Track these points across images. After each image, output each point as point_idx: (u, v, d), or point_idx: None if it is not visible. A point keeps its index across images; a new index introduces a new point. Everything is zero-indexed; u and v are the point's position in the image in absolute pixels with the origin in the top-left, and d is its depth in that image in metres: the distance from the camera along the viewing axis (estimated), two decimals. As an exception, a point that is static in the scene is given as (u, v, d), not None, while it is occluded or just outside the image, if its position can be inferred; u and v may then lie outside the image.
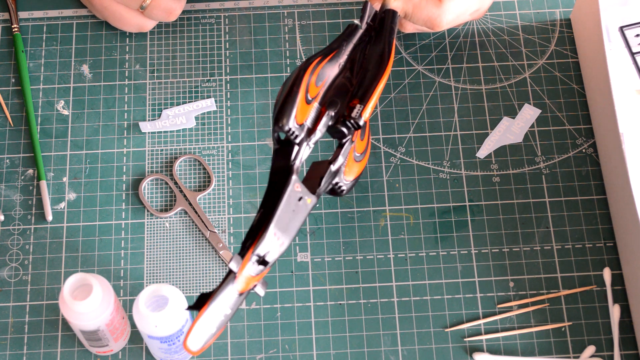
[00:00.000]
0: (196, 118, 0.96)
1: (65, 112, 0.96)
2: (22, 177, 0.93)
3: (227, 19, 1.01)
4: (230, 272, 0.73)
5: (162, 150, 0.94)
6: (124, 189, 0.92)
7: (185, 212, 0.91)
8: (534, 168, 0.94)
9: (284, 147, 0.79)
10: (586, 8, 0.95)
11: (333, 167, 0.81)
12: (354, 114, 0.80)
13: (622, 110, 0.90)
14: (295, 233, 0.77)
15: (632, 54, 0.91)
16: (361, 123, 0.80)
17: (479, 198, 0.92)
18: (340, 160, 0.82)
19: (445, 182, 0.93)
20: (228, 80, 0.98)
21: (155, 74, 0.98)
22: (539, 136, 0.95)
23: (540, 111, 0.96)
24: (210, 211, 0.92)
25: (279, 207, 0.75)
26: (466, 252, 0.90)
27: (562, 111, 0.96)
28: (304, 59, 0.99)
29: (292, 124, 0.78)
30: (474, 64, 0.99)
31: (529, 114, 0.96)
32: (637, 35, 0.92)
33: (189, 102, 0.97)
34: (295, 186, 0.77)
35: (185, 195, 0.92)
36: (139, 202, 0.92)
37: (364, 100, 0.81)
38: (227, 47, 1.00)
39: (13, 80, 0.98)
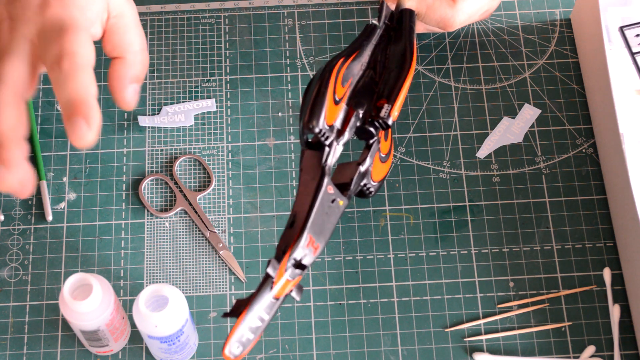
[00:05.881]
0: (196, 118, 0.96)
1: (65, 112, 0.96)
2: (22, 177, 0.93)
3: (227, 19, 1.01)
4: (268, 277, 0.71)
5: (162, 150, 0.94)
6: (124, 189, 0.92)
7: (185, 212, 0.91)
8: (534, 168, 0.94)
9: (312, 149, 0.78)
10: (586, 8, 0.95)
11: (362, 168, 0.80)
12: (382, 114, 0.80)
13: (622, 110, 0.90)
14: (330, 235, 0.76)
15: (632, 54, 0.91)
16: (390, 122, 0.80)
17: (479, 198, 0.92)
18: (369, 161, 0.81)
19: (445, 182, 0.93)
20: (228, 80, 0.98)
21: (155, 74, 0.98)
22: (539, 136, 0.95)
23: (540, 111, 0.96)
24: (210, 211, 0.92)
25: (313, 210, 0.74)
26: (466, 252, 0.90)
27: (562, 111, 0.96)
28: (304, 59, 0.99)
29: (322, 124, 0.77)
30: (474, 64, 0.99)
31: (529, 114, 0.96)
32: (637, 35, 0.92)
33: (189, 102, 0.97)
34: (328, 188, 0.76)
35: (185, 195, 0.92)
36: (139, 202, 0.92)
37: (391, 100, 0.80)
38: (227, 47, 1.00)
39: (13, 80, 0.98)
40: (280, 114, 0.96)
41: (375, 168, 0.82)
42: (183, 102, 0.97)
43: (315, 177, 0.77)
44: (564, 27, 1.01)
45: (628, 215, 0.85)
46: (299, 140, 0.95)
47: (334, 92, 0.79)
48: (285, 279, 0.73)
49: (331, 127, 0.78)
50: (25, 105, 0.74)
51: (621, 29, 0.92)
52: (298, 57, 0.99)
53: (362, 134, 0.81)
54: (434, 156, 0.94)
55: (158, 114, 0.96)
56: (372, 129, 0.80)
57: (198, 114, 0.96)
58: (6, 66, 0.75)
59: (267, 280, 0.71)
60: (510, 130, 0.95)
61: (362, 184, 0.81)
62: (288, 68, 0.98)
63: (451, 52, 0.99)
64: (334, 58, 0.81)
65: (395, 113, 0.80)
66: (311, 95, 0.78)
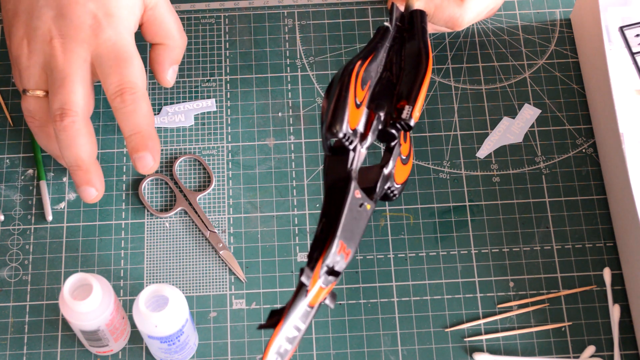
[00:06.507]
0: (196, 118, 0.96)
1: (65, 112, 0.96)
2: (22, 177, 0.93)
3: (227, 19, 1.01)
4: (302, 285, 0.71)
5: (162, 150, 0.94)
6: (124, 189, 0.92)
7: (185, 212, 0.91)
8: (534, 168, 0.94)
9: (336, 154, 0.78)
10: (586, 8, 0.95)
11: (386, 171, 0.80)
12: (404, 115, 0.79)
13: (622, 110, 0.90)
14: (359, 240, 0.75)
15: (632, 54, 0.91)
16: (412, 124, 0.79)
17: (479, 198, 0.92)
18: (392, 163, 0.80)
19: (445, 182, 0.93)
20: (228, 80, 0.98)
21: (155, 74, 0.98)
22: (539, 136, 0.95)
23: (540, 111, 0.96)
24: (210, 211, 0.92)
25: (343, 216, 0.74)
26: (466, 252, 0.90)
27: (562, 111, 0.96)
28: (304, 59, 0.99)
29: (346, 129, 0.76)
30: (474, 64, 0.99)
31: (529, 114, 0.96)
32: (637, 35, 0.92)
33: (189, 102, 0.97)
34: (355, 193, 0.76)
35: (185, 195, 0.92)
36: (139, 202, 0.92)
37: (411, 101, 0.79)
38: (227, 47, 1.00)
39: (13, 80, 0.98)
40: (280, 114, 0.96)
41: (397, 170, 0.81)
42: (183, 102, 0.97)
43: (341, 182, 0.76)
44: (564, 27, 1.01)
45: (628, 215, 0.85)
46: (299, 140, 0.95)
47: (355, 96, 0.78)
48: (318, 286, 0.72)
49: (354, 131, 0.77)
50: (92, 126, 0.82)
51: (621, 29, 0.92)
52: (298, 57, 0.99)
53: (384, 137, 0.80)
54: (434, 156, 0.94)
55: (158, 114, 0.96)
56: (394, 131, 0.79)
57: (198, 114, 0.96)
58: (72, 94, 0.79)
59: (301, 289, 0.71)
60: (510, 130, 0.95)
61: (386, 187, 0.81)
62: (288, 68, 0.98)
63: (451, 52, 0.99)
64: (351, 61, 0.80)
65: (416, 114, 0.79)
66: (332, 99, 0.77)
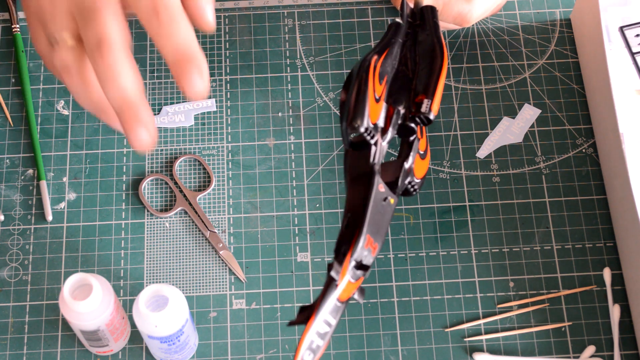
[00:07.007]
0: (196, 118, 0.96)
1: (65, 112, 0.96)
2: (22, 177, 0.93)
3: (227, 19, 1.01)
4: (331, 280, 0.71)
5: (162, 150, 0.94)
6: (124, 189, 0.92)
7: (185, 212, 0.91)
8: (534, 168, 0.94)
9: (356, 149, 0.78)
10: (586, 8, 0.95)
11: (406, 165, 0.80)
12: (423, 109, 0.78)
13: (622, 110, 0.90)
14: (385, 234, 0.75)
15: (632, 54, 0.91)
16: (432, 117, 0.79)
17: (479, 198, 0.92)
18: (412, 158, 0.80)
19: (445, 182, 0.93)
20: (228, 80, 0.98)
21: (155, 74, 0.98)
22: (539, 136, 0.95)
23: (540, 111, 0.96)
24: (210, 211, 0.92)
25: (369, 210, 0.73)
26: (466, 252, 0.90)
27: (562, 111, 0.96)
28: (304, 59, 0.99)
29: (367, 123, 0.75)
30: (474, 64, 0.99)
31: (529, 114, 0.96)
32: (637, 35, 0.92)
33: (189, 102, 0.97)
34: (379, 187, 0.75)
35: (185, 195, 0.92)
36: (139, 202, 0.92)
37: (429, 95, 0.79)
38: (227, 47, 1.00)
39: (13, 80, 0.98)
40: (280, 114, 0.96)
41: (416, 165, 0.81)
42: (183, 102, 0.97)
43: (364, 177, 0.76)
44: (564, 27, 1.01)
45: (628, 215, 0.85)
46: (299, 140, 0.95)
47: (374, 90, 0.78)
48: (347, 280, 0.72)
49: (375, 125, 0.77)
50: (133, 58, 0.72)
51: (621, 29, 0.92)
52: (298, 57, 0.99)
53: (404, 131, 0.80)
54: (434, 156, 0.94)
55: (158, 114, 0.96)
56: (413, 125, 0.79)
57: (198, 114, 0.96)
58: (106, 25, 0.71)
59: (330, 284, 0.71)
60: (510, 130, 0.95)
61: (406, 181, 0.80)
62: (288, 68, 0.98)
63: (451, 52, 0.99)
64: (366, 57, 0.79)
65: (435, 107, 0.79)
66: (351, 94, 0.77)
